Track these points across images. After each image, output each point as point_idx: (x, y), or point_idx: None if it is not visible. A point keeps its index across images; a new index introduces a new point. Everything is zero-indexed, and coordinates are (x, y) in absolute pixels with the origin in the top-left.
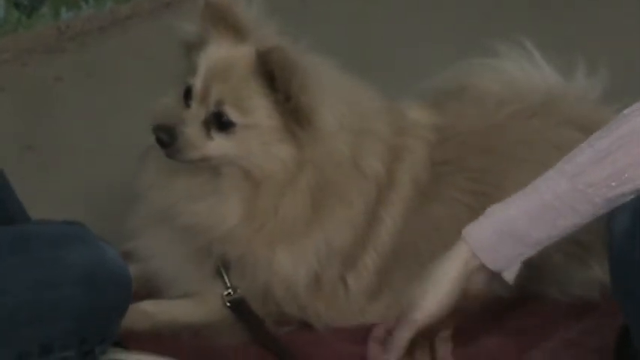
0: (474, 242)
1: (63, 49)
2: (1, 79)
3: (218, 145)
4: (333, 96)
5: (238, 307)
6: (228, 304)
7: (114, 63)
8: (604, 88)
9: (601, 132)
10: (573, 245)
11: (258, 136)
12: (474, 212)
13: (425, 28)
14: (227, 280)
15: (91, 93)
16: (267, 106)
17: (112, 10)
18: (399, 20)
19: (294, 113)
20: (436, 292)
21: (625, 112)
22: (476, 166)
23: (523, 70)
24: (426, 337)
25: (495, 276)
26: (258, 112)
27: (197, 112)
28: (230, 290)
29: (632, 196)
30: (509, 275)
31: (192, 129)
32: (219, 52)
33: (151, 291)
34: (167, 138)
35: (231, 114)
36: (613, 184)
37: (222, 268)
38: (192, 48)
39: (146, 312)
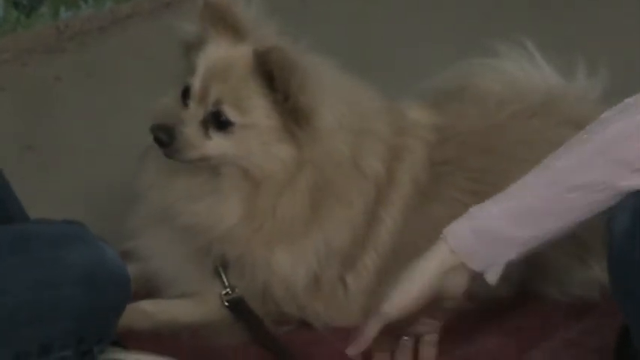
0: (453, 241)
1: (62, 48)
2: (1, 79)
3: (216, 144)
4: (332, 96)
5: (237, 307)
6: (227, 303)
7: (114, 63)
8: (604, 88)
9: (578, 137)
10: (573, 245)
11: (256, 135)
12: None
13: (425, 28)
14: (225, 280)
15: (90, 93)
16: (266, 105)
17: (112, 9)
18: (399, 20)
19: (292, 113)
20: (410, 287)
21: (604, 115)
22: (476, 166)
23: (523, 70)
24: (394, 333)
25: (477, 276)
26: (256, 111)
27: (195, 112)
28: (228, 290)
29: (613, 202)
30: (491, 277)
31: (190, 129)
32: (218, 51)
33: (151, 290)
34: (165, 138)
35: (230, 113)
36: (592, 189)
37: (221, 267)
38: (191, 48)
39: (145, 311)
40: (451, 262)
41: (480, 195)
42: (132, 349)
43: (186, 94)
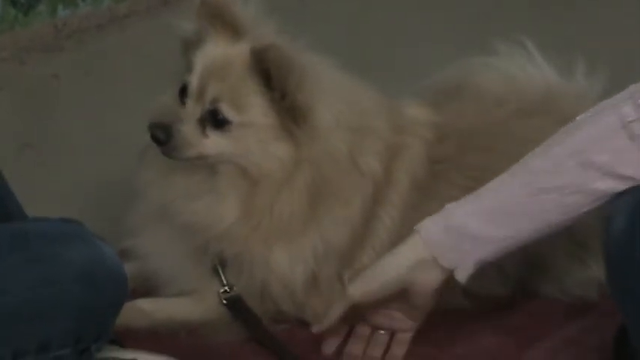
0: (425, 235)
1: (60, 47)
2: None
3: (214, 142)
4: (330, 94)
5: (235, 305)
6: (225, 301)
7: (112, 61)
8: (603, 87)
9: (555, 138)
10: (572, 244)
11: (254, 134)
12: None
13: (425, 27)
14: (223, 278)
15: (89, 91)
16: (263, 104)
17: (110, 8)
18: (398, 20)
19: (290, 111)
20: (377, 273)
21: (579, 117)
22: (474, 164)
23: (523, 69)
24: (358, 319)
25: (449, 274)
26: (254, 110)
27: (193, 110)
28: (226, 288)
29: (593, 205)
30: (461, 275)
31: (187, 127)
32: (215, 50)
33: (149, 289)
34: (163, 136)
35: (227, 112)
36: (566, 191)
37: (219, 266)
38: (189, 46)
39: (143, 310)
40: (421, 255)
41: None
42: (129, 347)
43: (183, 92)
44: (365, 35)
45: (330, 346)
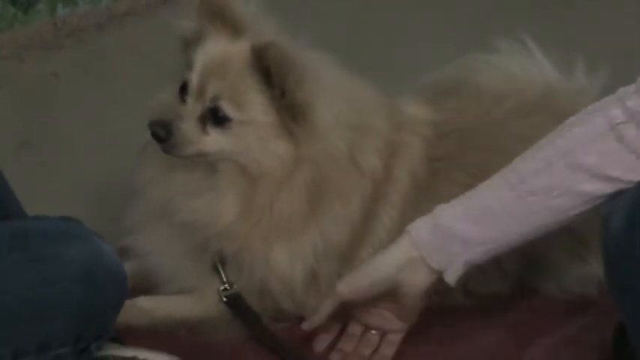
0: (415, 235)
1: (60, 45)
2: None
3: (214, 140)
4: (330, 92)
5: (235, 303)
6: (225, 299)
7: (111, 60)
8: (603, 86)
9: (544, 140)
10: (571, 241)
11: (254, 131)
12: None
13: (425, 25)
14: (223, 276)
15: (88, 89)
16: (263, 102)
17: (109, 6)
18: (398, 18)
19: (289, 109)
20: (368, 272)
21: (568, 121)
22: (473, 161)
23: (522, 67)
24: (348, 317)
25: (438, 276)
26: (254, 107)
27: (193, 108)
28: (227, 285)
29: (585, 207)
30: (450, 276)
31: (188, 124)
32: (215, 47)
33: (149, 287)
34: (163, 133)
35: (227, 109)
36: (554, 193)
37: (219, 263)
38: (189, 44)
39: (143, 308)
40: (410, 255)
41: None
42: (129, 345)
43: (184, 89)
44: (365, 33)
45: (321, 344)
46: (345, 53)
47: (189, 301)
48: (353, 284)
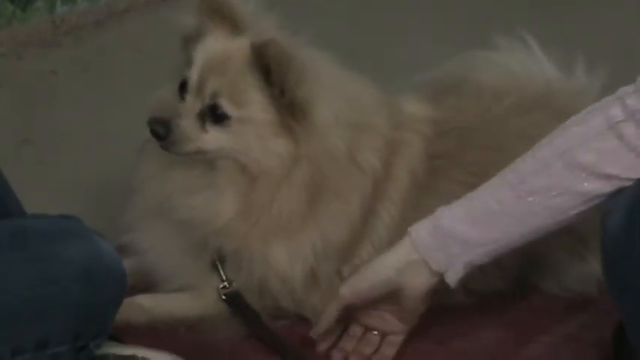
0: (416, 237)
1: (58, 43)
2: None
3: (213, 138)
4: (330, 90)
5: (234, 301)
6: (224, 297)
7: (110, 57)
8: (603, 84)
9: (544, 140)
10: (571, 239)
11: (253, 129)
12: None
13: (425, 23)
14: (222, 274)
15: (87, 87)
16: (263, 100)
17: (108, 3)
18: (398, 16)
19: (289, 107)
20: (367, 274)
21: (568, 121)
22: (473, 159)
23: (522, 64)
24: (351, 319)
25: (439, 277)
26: (253, 105)
27: (192, 105)
28: (226, 283)
29: (584, 207)
30: (451, 278)
31: (187, 122)
32: (215, 44)
33: (148, 285)
34: (162, 130)
35: (227, 107)
36: (553, 193)
37: (218, 261)
38: (189, 41)
39: (142, 306)
40: (411, 257)
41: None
42: (128, 343)
43: (183, 87)
44: (365, 31)
45: (324, 344)
46: (345, 51)
47: (189, 299)
48: (354, 287)
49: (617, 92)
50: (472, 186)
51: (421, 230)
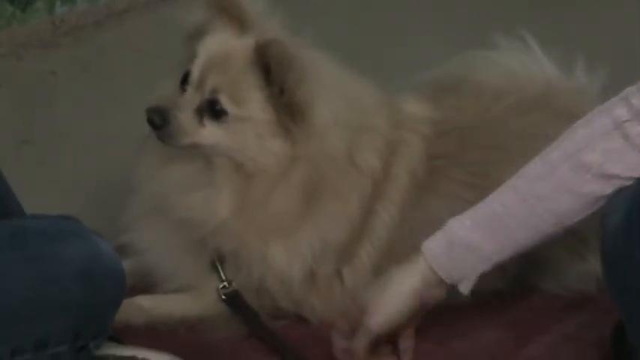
0: (431, 257)
1: (58, 43)
2: None
3: (210, 133)
4: (330, 92)
5: (234, 301)
6: (224, 297)
7: (109, 57)
8: (603, 84)
9: (553, 144)
10: (571, 239)
11: (250, 128)
12: (471, 205)
13: (425, 23)
14: (222, 274)
15: (86, 87)
16: (262, 99)
17: (107, 4)
18: (398, 16)
19: (288, 108)
20: (393, 303)
21: (575, 124)
22: (473, 159)
23: (522, 64)
24: (385, 341)
25: (453, 287)
26: (252, 104)
27: (192, 98)
28: (225, 283)
29: (589, 211)
30: (465, 287)
31: (185, 114)
32: (220, 41)
33: (147, 285)
34: (159, 120)
35: (225, 103)
36: (559, 197)
37: (218, 261)
38: (194, 36)
39: (142, 307)
40: (431, 279)
41: (477, 188)
42: (128, 344)
43: (185, 80)
44: (365, 31)
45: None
46: (345, 50)
47: (188, 299)
48: (382, 317)
49: (623, 92)
50: (472, 186)
51: (433, 247)
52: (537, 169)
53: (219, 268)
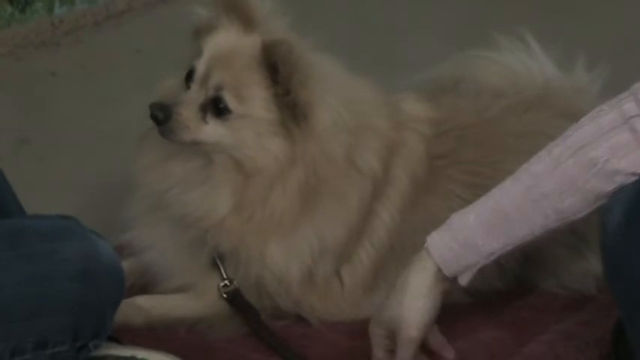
0: (437, 255)
1: (57, 43)
2: None
3: (212, 130)
4: (333, 94)
5: (235, 300)
6: (225, 295)
7: (108, 58)
8: (603, 82)
9: (558, 140)
10: (570, 237)
11: (252, 126)
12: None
13: (425, 22)
14: (223, 272)
15: (85, 87)
16: (266, 98)
17: (106, 4)
18: (399, 15)
19: (291, 108)
20: (420, 306)
21: (581, 120)
22: (472, 159)
23: (522, 63)
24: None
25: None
26: (255, 102)
27: (196, 95)
28: (226, 282)
29: (590, 209)
30: (464, 280)
31: (188, 111)
32: (226, 39)
33: (148, 285)
34: (162, 116)
35: (229, 101)
36: (564, 194)
37: (218, 259)
38: (201, 32)
39: (141, 307)
40: (440, 273)
41: (477, 188)
42: (128, 344)
43: (190, 76)
44: (365, 30)
45: None
46: (346, 49)
47: (188, 299)
48: (420, 324)
49: (631, 88)
50: (471, 185)
51: (438, 245)
52: (542, 163)
53: (220, 266)
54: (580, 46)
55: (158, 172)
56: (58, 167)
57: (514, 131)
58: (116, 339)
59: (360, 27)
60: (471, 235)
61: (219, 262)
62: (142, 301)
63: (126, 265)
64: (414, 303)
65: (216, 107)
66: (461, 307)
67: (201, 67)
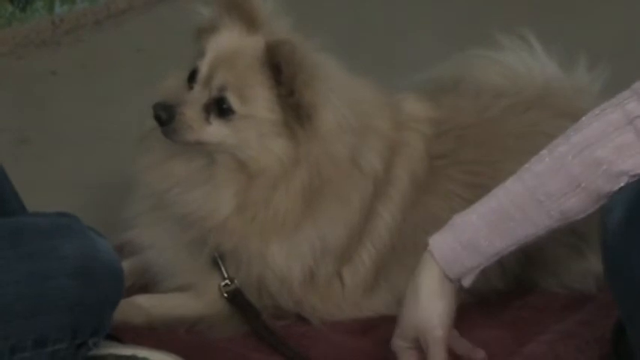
0: (440, 257)
1: (58, 42)
2: None
3: (215, 130)
4: (336, 95)
5: (235, 299)
6: (226, 294)
7: (109, 57)
8: (604, 83)
9: (560, 139)
10: (570, 236)
11: (256, 127)
12: (471, 204)
13: (426, 22)
14: (224, 271)
15: (86, 86)
16: (270, 98)
17: (107, 3)
18: (399, 15)
19: (295, 109)
20: (438, 306)
21: (582, 119)
22: (472, 158)
23: (522, 63)
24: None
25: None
26: (258, 102)
27: (199, 96)
28: (227, 281)
29: (592, 209)
30: (467, 282)
31: (192, 111)
32: (229, 39)
33: (148, 284)
34: (165, 116)
35: (233, 101)
36: (568, 194)
37: (219, 259)
38: (203, 32)
39: (141, 306)
40: (440, 275)
41: (477, 188)
42: (128, 343)
43: (193, 76)
44: (366, 30)
45: None
46: (346, 49)
47: (188, 298)
48: (445, 323)
49: (632, 86)
50: (472, 185)
51: (441, 246)
52: (546, 163)
53: (222, 265)
54: (580, 46)
55: (159, 172)
56: (58, 167)
57: (514, 131)
58: (117, 338)
59: (360, 27)
60: (474, 236)
61: (219, 262)
62: (143, 300)
63: (126, 264)
64: (430, 303)
65: (219, 108)
66: (461, 307)
67: (204, 67)
